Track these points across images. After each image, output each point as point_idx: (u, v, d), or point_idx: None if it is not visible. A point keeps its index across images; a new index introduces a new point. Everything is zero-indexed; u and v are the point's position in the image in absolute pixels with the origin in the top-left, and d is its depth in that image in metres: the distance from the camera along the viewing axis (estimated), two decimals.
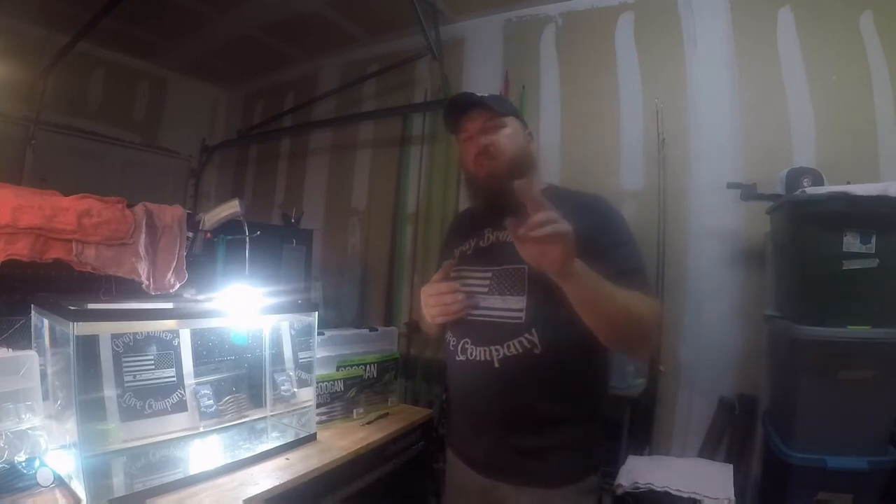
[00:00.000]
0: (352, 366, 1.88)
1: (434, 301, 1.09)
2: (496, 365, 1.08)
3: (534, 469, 1.08)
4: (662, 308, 1.08)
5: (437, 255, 1.43)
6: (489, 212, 1.19)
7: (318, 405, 1.69)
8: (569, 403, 1.10)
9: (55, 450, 1.20)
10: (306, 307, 1.79)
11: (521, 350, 1.07)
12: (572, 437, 1.10)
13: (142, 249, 1.64)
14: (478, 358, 1.11)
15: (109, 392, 1.34)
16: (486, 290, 1.12)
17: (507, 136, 1.16)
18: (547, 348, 1.05)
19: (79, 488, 1.09)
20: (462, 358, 1.15)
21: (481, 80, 2.94)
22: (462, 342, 1.15)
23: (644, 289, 1.00)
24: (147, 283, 1.67)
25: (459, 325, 1.14)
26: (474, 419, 1.17)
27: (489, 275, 1.13)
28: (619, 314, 0.94)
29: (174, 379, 1.50)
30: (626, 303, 0.94)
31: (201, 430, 1.50)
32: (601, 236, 1.03)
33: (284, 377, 1.71)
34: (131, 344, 1.42)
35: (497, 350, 1.09)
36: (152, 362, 1.46)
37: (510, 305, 1.08)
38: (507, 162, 1.13)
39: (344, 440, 1.61)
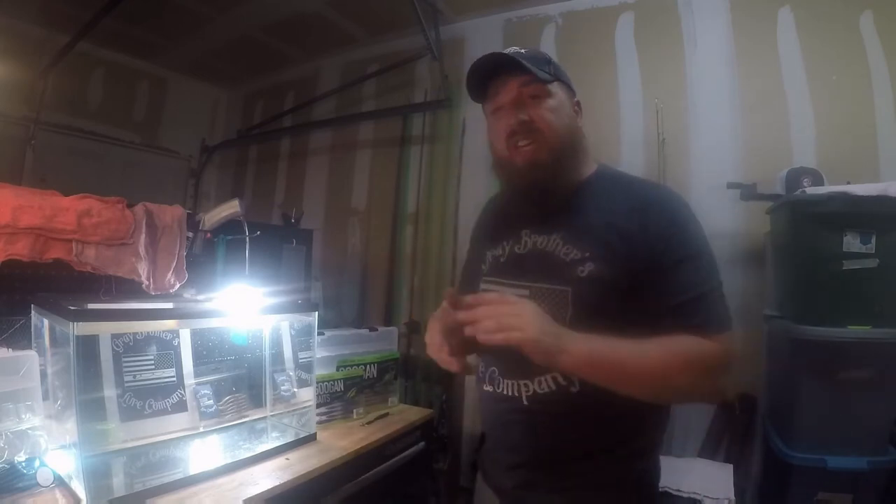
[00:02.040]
0: (352, 366, 1.88)
1: (428, 345, 0.87)
2: (524, 402, 0.91)
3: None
4: (733, 338, 0.86)
5: (466, 254, 1.20)
6: (527, 207, 0.97)
7: (318, 405, 1.69)
8: (613, 441, 0.90)
9: (55, 450, 1.20)
10: (306, 307, 1.79)
11: (554, 387, 0.88)
12: (616, 477, 0.91)
13: (142, 249, 1.64)
14: (505, 392, 0.94)
15: (109, 392, 1.34)
16: None
17: (552, 108, 0.90)
18: (586, 386, 0.82)
19: (79, 488, 1.09)
20: (489, 389, 0.98)
21: None
22: (490, 370, 0.98)
23: (706, 325, 0.80)
24: (147, 283, 1.67)
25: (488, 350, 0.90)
26: (503, 453, 1.00)
27: (526, 293, 0.90)
28: (651, 382, 0.78)
29: (174, 379, 1.50)
30: (662, 366, 0.77)
31: (201, 430, 1.50)
32: (658, 253, 0.83)
33: (284, 377, 1.71)
34: (131, 344, 1.42)
35: (526, 386, 0.90)
36: (152, 362, 1.46)
37: None
38: (552, 144, 0.89)
39: (344, 440, 1.61)
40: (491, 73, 0.93)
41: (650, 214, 0.86)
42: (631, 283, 0.83)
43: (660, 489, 1.65)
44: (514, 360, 0.79)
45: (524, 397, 0.90)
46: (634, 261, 0.83)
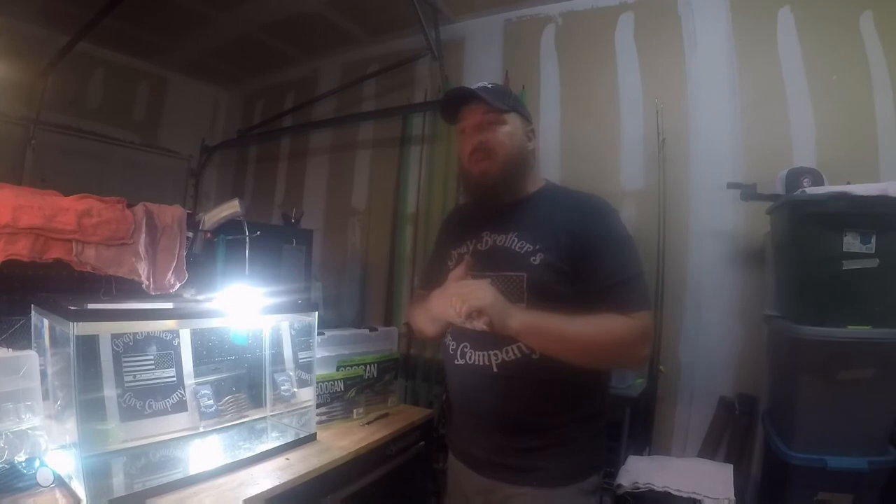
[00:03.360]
0: (352, 366, 1.88)
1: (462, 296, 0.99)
2: (494, 369, 1.09)
3: (534, 468, 1.08)
4: (651, 316, 1.06)
5: (430, 254, 1.41)
6: (486, 213, 1.18)
7: (318, 405, 1.69)
8: (568, 404, 1.11)
9: (55, 450, 1.20)
10: (306, 307, 1.79)
11: (519, 355, 1.07)
12: (573, 437, 1.10)
13: (142, 249, 1.64)
14: (476, 362, 1.12)
15: (109, 392, 1.35)
16: None
17: (505, 133, 1.12)
18: (545, 355, 1.03)
19: (79, 488, 1.09)
20: (461, 362, 1.15)
21: (481, 80, 2.90)
22: (461, 346, 1.16)
23: (627, 304, 1.00)
24: (147, 283, 1.67)
25: (459, 329, 1.12)
26: (474, 421, 1.17)
27: (488, 281, 1.07)
28: (581, 349, 0.98)
29: (174, 379, 1.50)
30: (589, 335, 0.97)
31: (201, 430, 1.50)
32: (591, 246, 1.04)
33: (284, 377, 1.72)
34: (131, 344, 1.42)
35: (496, 355, 1.09)
36: (152, 362, 1.46)
37: None
38: (503, 161, 1.10)
39: (344, 440, 1.61)
40: (461, 102, 1.15)
41: (586, 216, 1.09)
42: (572, 269, 1.05)
43: (659, 489, 1.67)
44: (482, 334, 0.99)
45: (494, 365, 1.09)
46: (574, 251, 1.04)
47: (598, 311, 0.99)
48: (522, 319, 0.96)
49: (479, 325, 0.94)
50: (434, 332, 1.17)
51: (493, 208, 1.16)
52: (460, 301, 0.94)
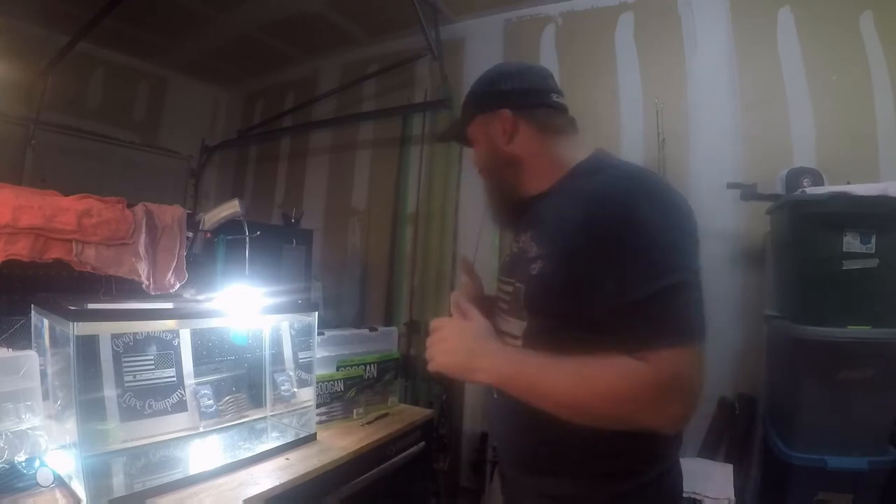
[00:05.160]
0: (352, 366, 1.88)
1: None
2: (495, 395, 0.93)
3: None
4: (688, 352, 0.68)
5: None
6: (519, 214, 1.00)
7: (318, 405, 1.69)
8: (576, 442, 0.80)
9: (55, 450, 1.20)
10: (306, 307, 1.79)
11: None
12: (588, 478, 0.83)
13: (142, 249, 1.64)
14: (491, 390, 0.95)
15: (109, 392, 1.34)
16: (505, 307, 0.91)
17: (480, 153, 1.00)
18: None
19: (79, 488, 1.09)
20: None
21: None
22: None
23: (638, 339, 0.69)
24: (147, 283, 1.67)
25: None
26: (497, 444, 1.02)
27: (510, 289, 0.90)
28: (567, 410, 0.72)
29: (174, 379, 1.50)
30: (572, 393, 0.71)
31: (201, 430, 1.50)
32: (599, 252, 0.74)
33: (284, 377, 1.71)
34: (131, 344, 1.42)
35: None
36: (152, 362, 1.46)
37: (513, 331, 0.87)
38: (487, 176, 1.01)
39: (344, 440, 1.61)
40: (456, 136, 1.10)
41: (603, 208, 0.76)
42: (570, 283, 0.77)
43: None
44: None
45: (495, 392, 0.93)
46: (577, 258, 0.76)
47: (604, 347, 0.70)
48: (490, 373, 0.78)
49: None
50: None
51: (515, 209, 0.98)
52: (427, 355, 0.83)
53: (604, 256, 0.73)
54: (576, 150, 0.94)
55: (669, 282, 0.69)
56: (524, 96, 0.94)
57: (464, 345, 0.81)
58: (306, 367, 1.73)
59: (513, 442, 0.93)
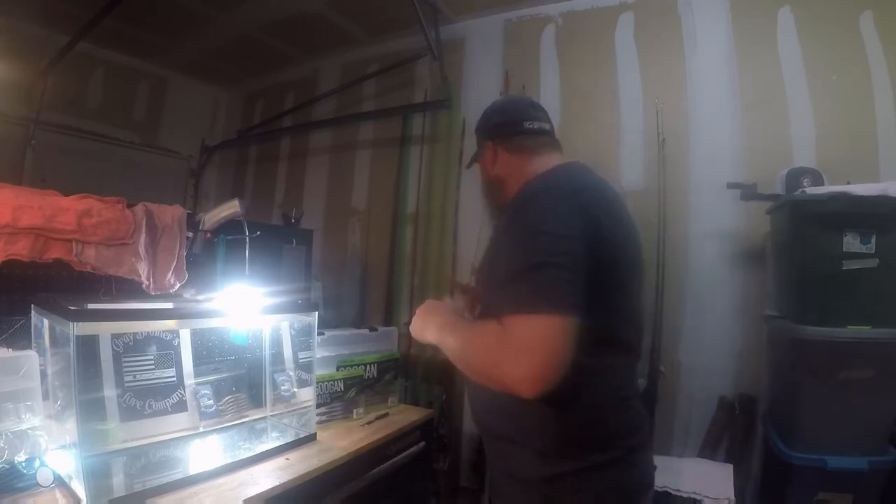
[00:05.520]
0: (352, 366, 1.88)
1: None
2: (466, 391, 1.12)
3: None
4: (535, 322, 0.76)
5: None
6: None
7: (318, 405, 1.69)
8: (521, 417, 0.90)
9: (55, 450, 1.20)
10: (306, 307, 1.79)
11: None
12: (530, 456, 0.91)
13: (142, 249, 1.64)
14: None
15: (109, 392, 1.35)
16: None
17: (481, 175, 1.18)
18: None
19: (79, 488, 1.09)
20: None
21: (481, 80, 2.95)
22: None
23: (501, 309, 0.80)
24: (147, 283, 1.67)
25: None
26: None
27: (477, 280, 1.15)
28: (462, 364, 0.90)
29: (174, 379, 1.50)
30: (462, 347, 0.90)
31: (201, 430, 1.50)
32: (499, 243, 0.94)
33: (284, 377, 1.72)
34: (131, 344, 1.42)
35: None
36: (152, 362, 1.47)
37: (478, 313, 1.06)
38: (485, 195, 1.19)
39: (344, 440, 1.61)
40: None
41: (509, 206, 0.96)
42: (488, 268, 0.96)
43: (660, 489, 1.67)
44: None
45: (467, 388, 1.09)
46: (492, 248, 0.99)
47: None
48: (432, 335, 0.98)
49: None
50: None
51: None
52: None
53: (501, 245, 0.92)
54: (544, 165, 1.06)
55: (534, 262, 0.80)
56: (501, 128, 1.13)
57: (422, 319, 1.02)
58: (306, 367, 1.73)
59: (477, 416, 1.05)
